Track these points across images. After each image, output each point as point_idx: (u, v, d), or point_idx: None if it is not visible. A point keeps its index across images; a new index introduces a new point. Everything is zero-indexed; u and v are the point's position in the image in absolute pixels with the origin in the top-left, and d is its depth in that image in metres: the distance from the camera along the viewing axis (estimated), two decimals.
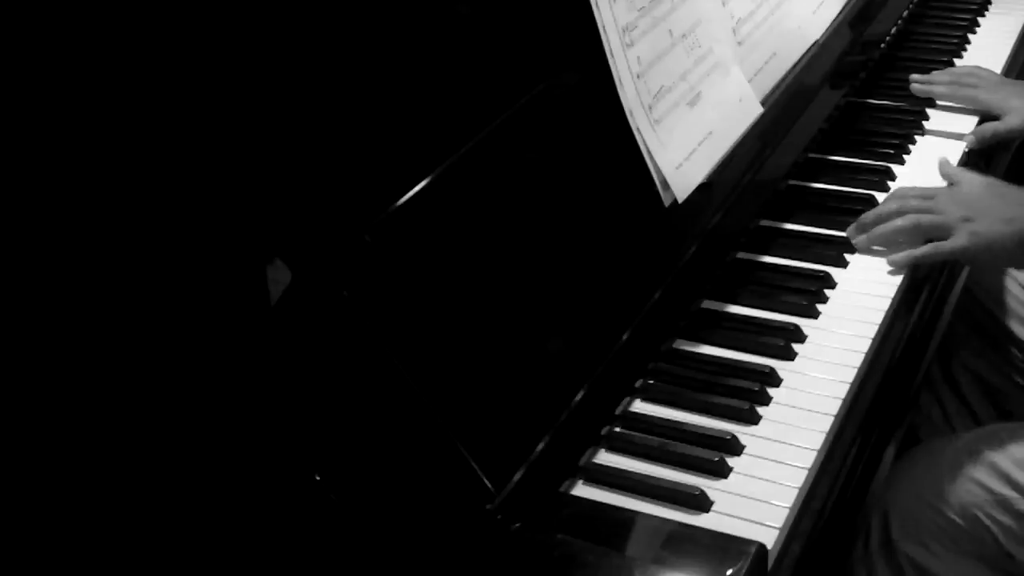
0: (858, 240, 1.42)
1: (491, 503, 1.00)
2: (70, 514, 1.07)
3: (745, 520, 1.05)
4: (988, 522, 1.32)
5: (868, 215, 1.43)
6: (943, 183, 1.56)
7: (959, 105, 1.71)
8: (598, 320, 1.17)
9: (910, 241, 1.40)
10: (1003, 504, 1.31)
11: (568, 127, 1.28)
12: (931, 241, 1.39)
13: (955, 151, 1.63)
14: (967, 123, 1.68)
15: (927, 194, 1.43)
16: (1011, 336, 1.60)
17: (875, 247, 1.42)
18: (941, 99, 1.74)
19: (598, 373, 1.14)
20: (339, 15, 1.15)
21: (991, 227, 1.36)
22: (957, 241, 1.37)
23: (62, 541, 1.07)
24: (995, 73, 1.77)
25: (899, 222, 1.40)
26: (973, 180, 1.46)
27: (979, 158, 1.68)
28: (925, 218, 1.39)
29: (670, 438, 1.15)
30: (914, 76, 1.76)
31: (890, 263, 1.39)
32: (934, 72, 1.77)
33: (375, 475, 1.03)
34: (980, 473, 1.34)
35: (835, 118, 1.70)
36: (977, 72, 1.75)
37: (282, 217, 1.07)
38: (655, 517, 1.05)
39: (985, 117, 1.69)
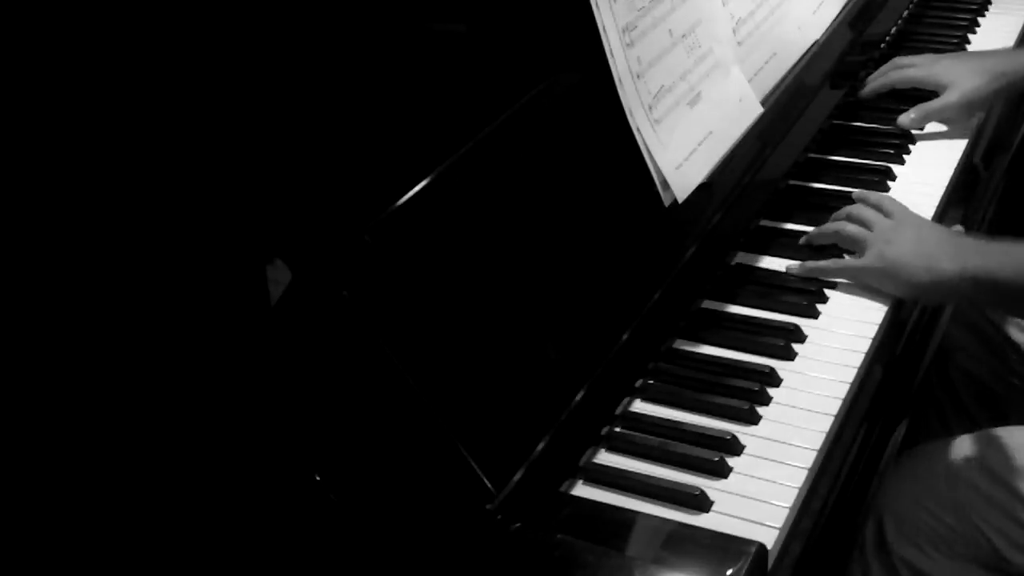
0: (803, 239, 1.43)
1: (491, 503, 1.00)
2: (70, 514, 1.07)
3: (745, 520, 1.05)
4: (983, 526, 1.31)
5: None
6: (941, 186, 1.56)
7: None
8: (598, 320, 1.17)
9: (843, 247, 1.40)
10: (998, 508, 1.31)
11: (568, 127, 1.28)
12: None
13: (955, 151, 1.63)
14: (967, 123, 1.68)
15: (879, 207, 1.39)
16: (1008, 340, 1.60)
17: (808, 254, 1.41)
18: (879, 89, 1.72)
19: (598, 373, 1.14)
20: (339, 16, 1.15)
21: (901, 252, 1.31)
22: (862, 260, 1.34)
23: (62, 541, 1.07)
24: (933, 54, 1.75)
25: (824, 227, 1.40)
26: (921, 218, 1.40)
27: (977, 160, 1.68)
28: (848, 228, 1.37)
29: (670, 438, 1.15)
30: (864, 90, 1.75)
31: (787, 269, 1.39)
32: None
33: (375, 475, 1.03)
34: (976, 477, 1.34)
35: (835, 118, 1.70)
36: (916, 56, 1.74)
37: (282, 217, 1.07)
38: (655, 517, 1.05)
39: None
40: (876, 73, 1.75)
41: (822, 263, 1.37)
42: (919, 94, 1.70)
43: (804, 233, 1.46)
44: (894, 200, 1.42)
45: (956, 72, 1.65)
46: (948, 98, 1.64)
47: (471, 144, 1.17)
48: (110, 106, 1.00)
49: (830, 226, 1.40)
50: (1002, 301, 1.37)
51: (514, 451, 1.04)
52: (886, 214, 1.38)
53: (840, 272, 1.36)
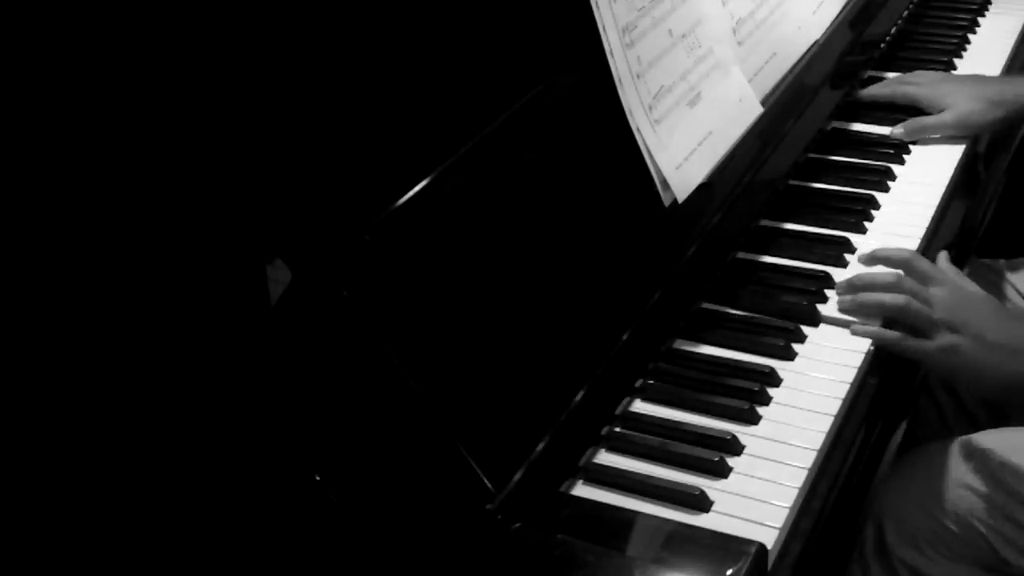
0: (841, 300, 1.33)
1: (491, 503, 1.00)
2: (70, 514, 1.07)
3: (745, 520, 1.05)
4: (983, 528, 1.31)
5: (862, 277, 1.34)
6: (941, 186, 1.56)
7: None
8: (598, 320, 1.17)
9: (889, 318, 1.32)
10: (999, 510, 1.31)
11: (568, 127, 1.28)
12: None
13: (955, 151, 1.63)
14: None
15: (927, 276, 1.33)
16: None
17: (853, 311, 1.32)
18: (881, 99, 1.72)
19: (598, 373, 1.14)
20: (340, 15, 1.15)
21: (980, 352, 1.27)
22: (927, 346, 1.28)
23: (62, 541, 1.07)
24: (939, 73, 1.76)
25: (888, 299, 1.30)
26: (969, 285, 1.35)
27: (977, 160, 1.68)
28: (914, 305, 1.29)
29: (670, 438, 1.15)
30: (863, 91, 1.75)
31: (853, 332, 1.30)
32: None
33: (375, 475, 1.03)
34: (976, 479, 1.33)
35: (835, 118, 1.70)
36: (922, 73, 1.75)
37: (282, 217, 1.07)
38: (655, 517, 1.05)
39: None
40: (882, 83, 1.75)
41: (889, 333, 1.29)
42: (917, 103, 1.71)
43: (804, 233, 1.46)
44: (940, 267, 1.37)
45: (956, 95, 1.65)
46: (944, 117, 1.64)
47: (471, 144, 1.17)
48: (110, 106, 1.00)
49: (894, 299, 1.29)
50: None
51: (514, 451, 1.04)
52: (929, 280, 1.33)
53: (902, 350, 1.29)
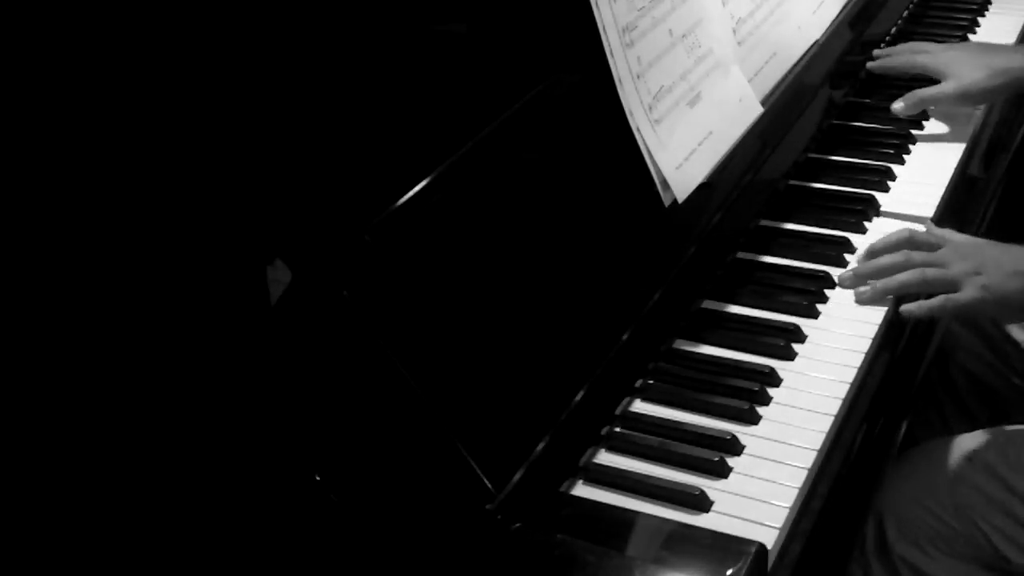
0: (861, 292, 1.35)
1: (491, 503, 1.00)
2: (70, 514, 1.07)
3: (745, 520, 1.05)
4: (984, 525, 1.31)
5: (869, 265, 1.37)
6: (941, 186, 1.56)
7: (957, 111, 1.70)
8: (598, 320, 1.17)
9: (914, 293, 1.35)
10: (999, 507, 1.31)
11: (568, 127, 1.28)
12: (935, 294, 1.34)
13: (955, 151, 1.63)
14: (967, 123, 1.68)
15: (930, 244, 1.37)
16: (1009, 338, 1.60)
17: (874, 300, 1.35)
18: (887, 68, 1.72)
19: (598, 373, 1.14)
20: (339, 16, 1.15)
21: (1001, 281, 1.31)
22: (968, 295, 1.31)
23: (62, 541, 1.07)
24: (950, 44, 1.75)
25: (904, 277, 1.33)
26: (968, 237, 1.40)
27: (977, 159, 1.68)
28: (931, 272, 1.33)
29: (670, 438, 1.15)
30: (872, 63, 1.75)
31: (904, 313, 1.33)
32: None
33: (375, 475, 1.03)
34: (976, 476, 1.34)
35: (835, 118, 1.70)
36: (928, 44, 1.74)
37: (282, 217, 1.07)
38: (655, 517, 1.05)
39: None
40: (891, 50, 1.75)
41: (932, 303, 1.32)
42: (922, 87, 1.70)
43: (804, 233, 1.47)
44: (935, 232, 1.41)
45: (960, 63, 1.64)
46: (944, 88, 1.64)
47: (471, 144, 1.17)
48: (111, 107, 1.00)
49: (911, 275, 1.33)
50: None
51: (514, 451, 1.04)
52: (932, 246, 1.37)
53: (951, 312, 1.33)
